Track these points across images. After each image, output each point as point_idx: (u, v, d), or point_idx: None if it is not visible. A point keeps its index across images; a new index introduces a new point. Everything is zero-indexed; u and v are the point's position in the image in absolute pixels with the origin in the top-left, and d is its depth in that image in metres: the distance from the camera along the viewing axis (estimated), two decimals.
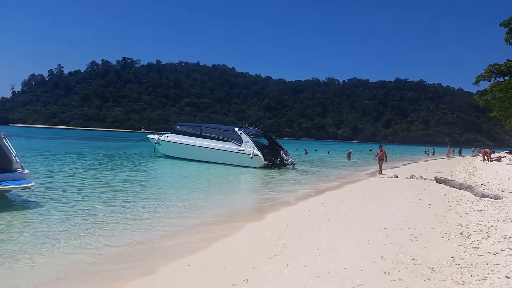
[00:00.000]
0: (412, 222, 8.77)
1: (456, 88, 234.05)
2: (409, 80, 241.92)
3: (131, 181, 16.11)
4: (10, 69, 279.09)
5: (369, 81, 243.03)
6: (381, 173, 22.80)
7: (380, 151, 23.37)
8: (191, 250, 7.09)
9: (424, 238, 7.35)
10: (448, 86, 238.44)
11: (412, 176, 20.28)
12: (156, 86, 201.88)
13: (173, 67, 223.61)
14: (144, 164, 24.72)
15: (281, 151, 27.25)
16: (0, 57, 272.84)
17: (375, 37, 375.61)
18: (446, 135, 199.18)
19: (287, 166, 26.57)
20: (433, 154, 61.06)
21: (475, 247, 6.53)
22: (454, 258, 6.04)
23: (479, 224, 8.24)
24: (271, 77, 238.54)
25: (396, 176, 20.74)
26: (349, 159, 38.80)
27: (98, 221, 9.02)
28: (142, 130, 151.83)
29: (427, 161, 43.33)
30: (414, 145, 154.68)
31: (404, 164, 36.75)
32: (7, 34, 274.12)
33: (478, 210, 9.84)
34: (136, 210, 10.42)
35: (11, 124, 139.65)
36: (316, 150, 58.44)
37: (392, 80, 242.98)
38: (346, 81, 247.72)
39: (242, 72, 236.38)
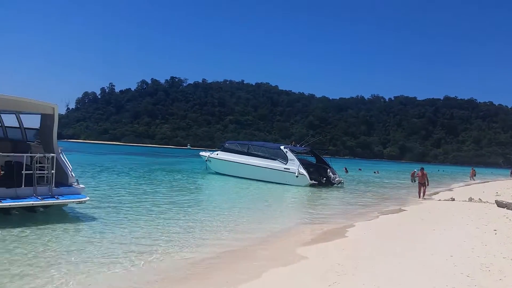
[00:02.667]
0: (479, 250, 8.11)
1: (509, 107, 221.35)
2: (459, 98, 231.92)
3: (181, 198, 16.29)
4: (65, 87, 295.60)
5: (417, 99, 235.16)
6: (423, 197, 20.88)
7: (422, 174, 21.23)
8: (242, 279, 6.50)
9: (496, 268, 6.73)
10: (500, 104, 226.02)
11: (471, 199, 19.09)
12: (202, 104, 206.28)
13: (218, 85, 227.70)
14: (193, 180, 25.12)
15: (328, 170, 26.68)
16: (56, 75, 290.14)
17: (423, 54, 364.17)
18: (499, 156, 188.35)
19: (335, 186, 25.92)
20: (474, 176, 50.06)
21: None
22: None
23: None
24: (314, 94, 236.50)
25: (453, 199, 19.62)
26: (413, 181, 33.78)
27: (147, 236, 9.03)
28: (188, 146, 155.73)
29: (482, 183, 40.87)
30: (465, 165, 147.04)
31: (458, 186, 34.93)
32: (61, 53, 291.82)
33: None
34: (185, 228, 10.34)
35: (65, 139, 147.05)
36: (360, 169, 56.71)
37: (441, 98, 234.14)
38: (393, 98, 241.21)
39: (285, 90, 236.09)
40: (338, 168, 35.60)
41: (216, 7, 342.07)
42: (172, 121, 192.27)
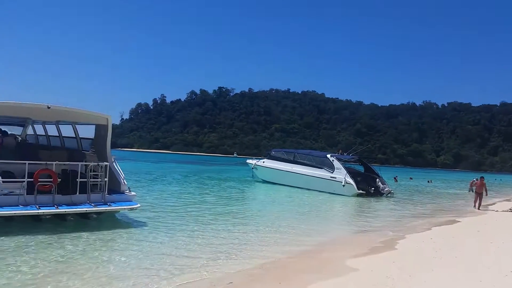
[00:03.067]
0: None
1: None
2: None
3: (227, 207, 16.40)
4: (120, 99, 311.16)
5: (471, 105, 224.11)
6: (479, 208, 19.68)
7: (480, 183, 20.24)
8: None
9: None
10: None
11: None
12: (248, 113, 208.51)
13: (264, 94, 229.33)
14: (240, 189, 25.30)
15: (377, 179, 25.90)
16: (111, 89, 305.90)
17: (477, 57, 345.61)
18: None
19: (384, 196, 25.08)
20: None
21: None
22: None
23: None
24: (362, 101, 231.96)
25: None
26: (471, 190, 31.51)
27: (191, 247, 9.06)
28: (235, 154, 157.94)
29: None
30: None
31: None
32: (119, 66, 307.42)
33: None
34: (230, 239, 10.22)
35: (119, 148, 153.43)
36: (411, 179, 54.49)
37: (498, 104, 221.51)
38: (446, 105, 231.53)
39: (332, 98, 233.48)
40: (388, 177, 34.51)
41: (262, 18, 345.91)
42: (219, 130, 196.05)
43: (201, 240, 9.61)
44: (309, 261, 8.41)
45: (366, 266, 7.86)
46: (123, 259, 7.69)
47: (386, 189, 25.33)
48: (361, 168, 27.75)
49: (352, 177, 24.30)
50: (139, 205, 11.15)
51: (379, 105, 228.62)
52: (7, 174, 9.60)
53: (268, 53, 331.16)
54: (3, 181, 9.24)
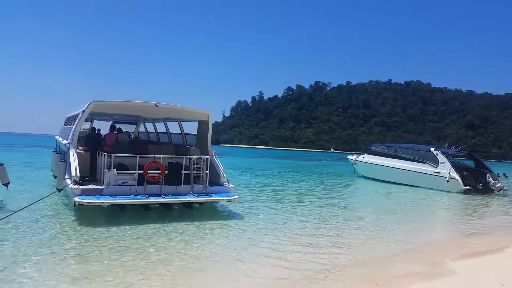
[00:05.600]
0: None
1: None
2: None
3: (324, 206, 16.32)
4: (222, 98, 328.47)
5: None
6: None
7: None
8: None
9: None
10: None
11: None
12: (346, 107, 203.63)
13: (363, 87, 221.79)
14: (339, 185, 24.78)
15: (488, 175, 23.66)
16: (215, 89, 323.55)
17: None
18: None
19: (495, 193, 22.84)
20: None
21: None
22: None
23: None
24: (474, 91, 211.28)
25: None
26: None
27: (292, 237, 9.32)
28: (332, 150, 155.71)
29: None
30: None
31: None
32: (222, 67, 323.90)
33: None
34: (322, 236, 10.25)
35: (221, 144, 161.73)
36: None
37: None
38: None
39: (439, 87, 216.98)
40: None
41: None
42: (316, 125, 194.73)
43: (295, 235, 9.65)
44: (407, 262, 8.01)
45: (475, 270, 7.33)
46: (220, 248, 8.14)
47: (497, 185, 23.02)
48: (471, 163, 25.61)
49: (458, 171, 22.58)
50: (236, 196, 11.78)
51: (494, 94, 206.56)
52: (121, 167, 10.80)
53: (367, 44, 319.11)
54: (117, 173, 10.46)
